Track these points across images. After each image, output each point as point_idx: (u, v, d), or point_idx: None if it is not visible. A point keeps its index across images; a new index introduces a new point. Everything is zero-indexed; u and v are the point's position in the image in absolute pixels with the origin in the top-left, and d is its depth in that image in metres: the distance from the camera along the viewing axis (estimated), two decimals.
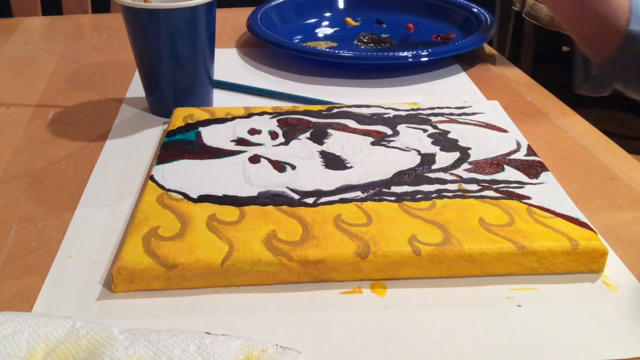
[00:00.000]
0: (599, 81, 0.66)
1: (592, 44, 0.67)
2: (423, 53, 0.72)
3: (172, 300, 0.40)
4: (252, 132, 0.55)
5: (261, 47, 0.81)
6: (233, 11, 0.95)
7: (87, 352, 0.32)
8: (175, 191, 0.46)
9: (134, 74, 0.72)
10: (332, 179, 0.48)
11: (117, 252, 0.43)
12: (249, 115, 0.58)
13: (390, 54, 0.72)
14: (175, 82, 0.60)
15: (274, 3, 0.89)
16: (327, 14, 0.91)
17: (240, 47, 0.82)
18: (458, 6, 0.89)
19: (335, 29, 0.87)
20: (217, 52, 0.63)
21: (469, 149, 0.53)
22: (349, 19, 0.90)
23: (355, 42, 0.83)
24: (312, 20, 0.89)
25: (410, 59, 0.72)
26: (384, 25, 0.89)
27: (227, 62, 0.76)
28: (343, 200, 0.46)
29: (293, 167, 0.50)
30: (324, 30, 0.87)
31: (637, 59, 0.63)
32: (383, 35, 0.85)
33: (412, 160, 0.51)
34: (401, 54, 0.72)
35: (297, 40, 0.83)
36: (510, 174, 0.49)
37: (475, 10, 0.86)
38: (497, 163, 0.51)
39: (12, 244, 0.45)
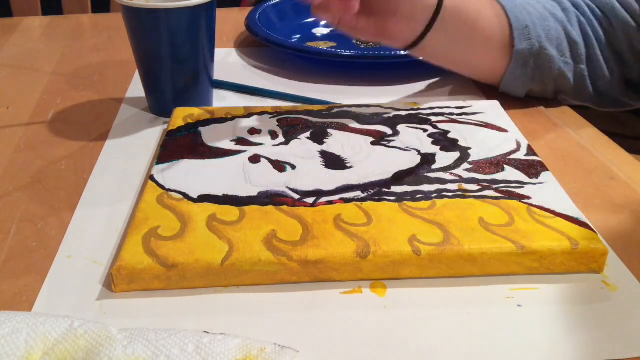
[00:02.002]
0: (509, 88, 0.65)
1: (481, 77, 0.66)
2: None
3: (172, 300, 0.40)
4: (252, 131, 0.55)
5: (261, 47, 0.81)
6: (233, 11, 0.95)
7: (85, 352, 0.32)
8: (175, 191, 0.46)
9: (134, 74, 0.72)
10: (332, 179, 0.48)
11: (117, 252, 0.43)
12: (249, 115, 0.58)
13: (392, 52, 0.72)
14: (175, 82, 0.60)
15: (272, 2, 0.89)
16: None
17: (241, 47, 0.82)
18: None
19: (331, 28, 0.87)
20: (217, 52, 0.63)
21: (469, 148, 0.53)
22: None
23: (355, 41, 0.83)
24: (310, 20, 0.89)
25: (409, 58, 0.72)
26: None
27: (227, 62, 0.76)
28: (343, 200, 0.46)
29: (293, 167, 0.50)
30: (320, 30, 0.87)
31: (526, 72, 0.62)
32: None
33: (412, 160, 0.51)
34: (402, 52, 0.72)
35: (295, 40, 0.83)
36: (510, 173, 0.49)
37: None
38: (497, 163, 0.51)
39: (12, 244, 0.45)
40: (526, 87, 0.64)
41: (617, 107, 0.66)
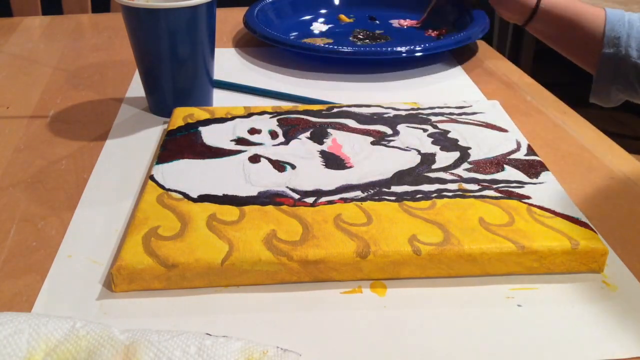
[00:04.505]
0: (598, 93, 0.70)
1: (580, 62, 0.72)
2: (418, 48, 0.72)
3: (172, 300, 0.40)
4: (252, 131, 0.55)
5: (261, 46, 0.81)
6: (233, 10, 0.95)
7: (87, 352, 0.32)
8: (175, 191, 0.46)
9: (134, 73, 0.72)
10: (332, 179, 0.48)
11: (117, 252, 0.43)
12: (249, 115, 0.58)
13: (389, 49, 0.72)
14: (175, 81, 0.60)
15: (269, 0, 0.89)
16: (323, 11, 0.91)
17: (241, 46, 0.82)
18: None
19: (330, 25, 0.88)
20: (217, 51, 0.63)
21: (469, 148, 0.53)
22: (342, 16, 0.90)
23: (351, 38, 0.83)
24: (308, 17, 0.89)
25: (406, 54, 0.72)
26: (377, 22, 0.89)
27: (227, 62, 0.76)
28: (343, 200, 0.46)
29: (293, 167, 0.50)
30: (318, 27, 0.87)
31: (616, 77, 0.67)
32: (377, 32, 0.85)
33: (412, 160, 0.51)
34: (399, 48, 0.72)
35: (292, 37, 0.83)
36: (510, 173, 0.49)
37: None
38: (497, 163, 0.51)
39: (12, 243, 0.45)
40: (613, 94, 0.69)
41: None
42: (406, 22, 0.89)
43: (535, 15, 0.71)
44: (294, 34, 0.84)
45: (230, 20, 0.91)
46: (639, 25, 0.67)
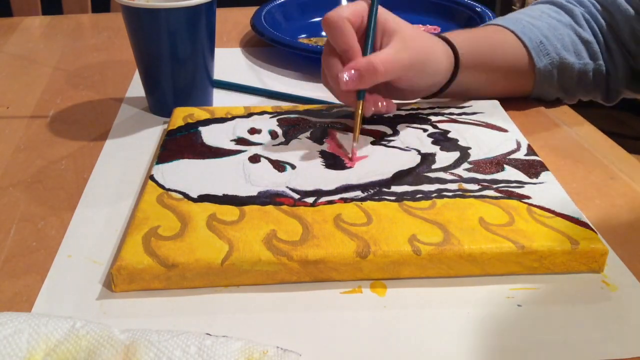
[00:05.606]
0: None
1: (509, 96, 0.65)
2: None
3: (172, 300, 0.40)
4: (252, 131, 0.55)
5: (262, 46, 0.81)
6: (233, 10, 0.95)
7: (87, 352, 0.32)
8: (175, 191, 0.46)
9: (134, 73, 0.72)
10: (332, 179, 0.48)
11: (117, 252, 0.43)
12: (249, 115, 0.58)
13: None
14: (175, 81, 0.60)
15: (278, 2, 0.89)
16: None
17: (241, 46, 0.82)
18: (462, 5, 0.89)
19: None
20: (217, 51, 0.63)
21: (469, 148, 0.53)
22: None
23: None
24: (317, 19, 0.89)
25: None
26: None
27: (228, 62, 0.76)
28: (343, 200, 0.46)
29: (293, 167, 0.50)
30: None
31: (552, 84, 0.63)
32: None
33: (412, 160, 0.51)
34: None
35: (302, 38, 0.83)
36: (510, 173, 0.49)
37: (478, 9, 0.86)
38: (497, 162, 0.51)
39: (12, 243, 0.45)
40: (553, 96, 0.65)
41: (625, 96, 0.67)
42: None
43: (457, 75, 0.58)
44: (302, 36, 0.84)
45: (230, 20, 0.91)
46: (542, 24, 0.63)
